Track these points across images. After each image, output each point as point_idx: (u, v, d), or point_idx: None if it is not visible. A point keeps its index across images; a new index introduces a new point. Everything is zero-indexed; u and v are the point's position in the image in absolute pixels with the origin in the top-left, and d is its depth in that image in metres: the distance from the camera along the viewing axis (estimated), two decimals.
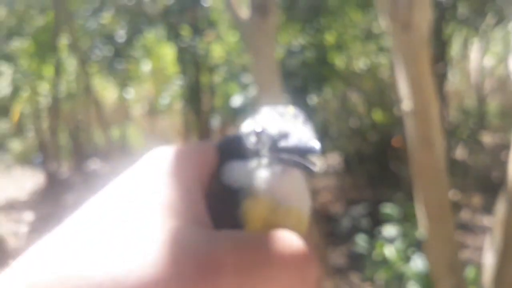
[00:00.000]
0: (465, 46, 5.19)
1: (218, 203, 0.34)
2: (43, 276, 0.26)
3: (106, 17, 5.45)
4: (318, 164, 0.33)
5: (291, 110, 0.37)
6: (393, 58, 1.70)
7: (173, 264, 0.27)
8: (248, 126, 0.38)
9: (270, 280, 0.29)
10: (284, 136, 0.35)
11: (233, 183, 0.35)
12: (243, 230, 0.33)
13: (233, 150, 0.37)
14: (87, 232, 0.29)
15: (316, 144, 0.33)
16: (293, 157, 0.33)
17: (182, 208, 0.31)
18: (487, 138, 5.10)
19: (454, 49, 5.10)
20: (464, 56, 5.30)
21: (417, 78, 1.58)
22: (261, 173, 0.35)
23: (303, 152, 0.33)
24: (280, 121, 0.36)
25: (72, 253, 0.28)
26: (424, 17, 1.58)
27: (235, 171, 0.36)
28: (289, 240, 0.30)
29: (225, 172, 0.36)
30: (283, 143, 0.34)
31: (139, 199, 0.31)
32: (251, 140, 0.36)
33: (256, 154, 0.36)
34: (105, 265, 0.26)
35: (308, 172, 0.33)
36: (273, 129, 0.35)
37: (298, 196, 0.36)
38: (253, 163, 0.36)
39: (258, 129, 0.36)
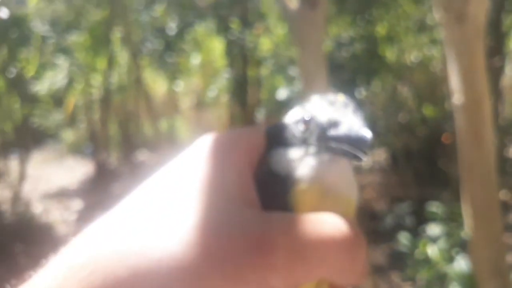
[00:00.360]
0: None
1: (266, 188, 0.34)
2: (91, 252, 0.28)
3: (158, 10, 5.57)
4: (368, 153, 0.33)
5: (341, 98, 0.36)
6: (446, 51, 1.65)
7: (225, 242, 0.28)
8: (296, 114, 0.38)
9: (321, 261, 0.29)
10: (334, 124, 0.35)
11: (281, 169, 0.35)
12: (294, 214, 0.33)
13: (281, 137, 0.37)
14: (136, 212, 0.30)
15: (368, 133, 0.32)
16: (342, 146, 0.33)
17: (234, 190, 0.31)
18: None
19: None
20: None
21: (470, 71, 1.53)
22: (310, 160, 0.35)
23: (353, 141, 0.33)
24: (330, 110, 0.36)
25: (122, 231, 0.29)
26: (480, 7, 1.52)
27: (284, 158, 0.36)
28: (339, 223, 0.31)
29: (273, 158, 0.36)
30: (332, 132, 0.34)
31: (191, 182, 0.31)
32: (300, 128, 0.36)
33: (304, 142, 0.36)
34: (151, 244, 0.28)
35: (358, 161, 0.33)
36: (323, 117, 0.35)
37: (347, 184, 0.36)
38: (301, 150, 0.36)
39: (307, 117, 0.36)
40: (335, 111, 0.35)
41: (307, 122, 0.36)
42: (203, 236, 0.28)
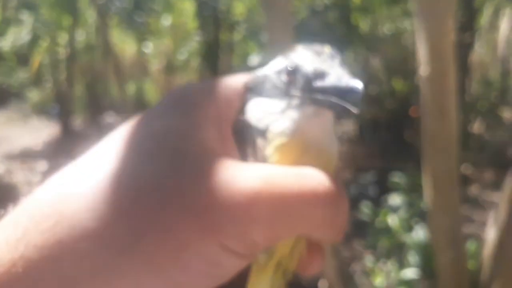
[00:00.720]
0: (496, 16, 5.00)
1: (245, 141, 0.33)
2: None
3: None
4: (359, 106, 0.30)
5: (327, 49, 0.34)
6: (415, 22, 1.63)
7: (201, 188, 0.27)
8: (279, 64, 0.36)
9: (303, 216, 0.29)
10: (320, 75, 0.32)
11: (262, 122, 0.34)
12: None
13: (261, 87, 0.36)
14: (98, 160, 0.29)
15: (358, 84, 0.30)
16: (330, 98, 0.31)
17: (211, 142, 0.30)
18: (508, 114, 4.97)
19: (485, 18, 4.91)
20: (494, 26, 5.10)
21: (437, 44, 1.52)
22: (292, 113, 0.33)
23: (343, 92, 0.31)
24: (316, 60, 0.33)
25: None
26: None
27: (264, 110, 0.34)
28: (322, 177, 0.30)
29: (253, 110, 0.35)
30: (319, 83, 0.32)
31: (170, 136, 0.30)
32: (282, 79, 0.34)
33: (287, 93, 0.34)
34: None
35: (348, 114, 0.31)
36: (308, 68, 0.33)
37: (329, 138, 0.35)
38: (283, 102, 0.34)
39: (291, 67, 0.34)
40: (321, 62, 0.33)
41: (290, 73, 0.34)
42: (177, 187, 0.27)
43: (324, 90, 0.32)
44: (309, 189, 0.29)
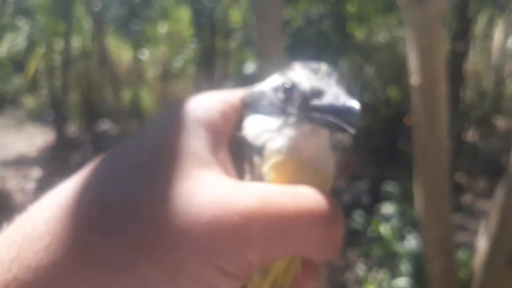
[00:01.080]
0: (490, 25, 5.04)
1: (242, 158, 0.33)
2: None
3: None
4: (356, 125, 0.30)
5: (324, 67, 0.34)
6: (406, 31, 1.64)
7: (200, 210, 0.26)
8: (275, 81, 0.36)
9: (299, 236, 0.28)
10: (318, 94, 0.33)
11: (258, 139, 0.34)
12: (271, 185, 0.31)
13: (258, 104, 0.35)
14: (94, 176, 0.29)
15: (355, 104, 0.30)
16: (327, 117, 0.31)
17: (208, 157, 0.30)
18: (501, 122, 4.99)
19: (479, 27, 4.95)
20: (488, 35, 5.14)
21: (428, 53, 1.53)
22: (289, 131, 0.33)
23: (340, 112, 0.31)
24: (313, 78, 0.33)
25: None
26: None
27: (261, 127, 0.34)
28: (318, 197, 0.30)
29: (250, 127, 0.35)
30: (316, 101, 0.32)
31: (167, 149, 0.29)
32: (279, 96, 0.34)
33: (283, 110, 0.34)
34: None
35: (345, 133, 0.31)
36: (305, 86, 0.33)
37: (325, 157, 0.34)
38: (280, 119, 0.34)
39: (288, 85, 0.34)
40: (318, 79, 0.33)
41: (287, 90, 0.34)
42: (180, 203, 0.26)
43: (321, 109, 0.32)
44: (305, 209, 0.28)
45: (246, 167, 0.33)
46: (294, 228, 0.28)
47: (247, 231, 0.26)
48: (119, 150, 0.30)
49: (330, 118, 0.31)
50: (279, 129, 0.33)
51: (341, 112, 0.30)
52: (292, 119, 0.33)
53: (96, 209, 0.26)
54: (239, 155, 0.33)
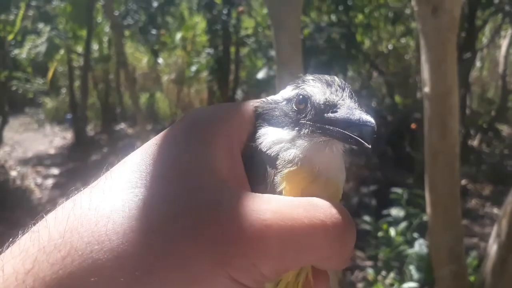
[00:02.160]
0: (498, 34, 5.06)
1: (255, 168, 0.33)
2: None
3: None
4: (372, 140, 0.30)
5: (338, 80, 0.35)
6: (420, 41, 1.64)
7: (213, 222, 0.27)
8: (289, 92, 0.36)
9: (312, 247, 0.28)
10: (332, 106, 0.33)
11: (272, 149, 0.34)
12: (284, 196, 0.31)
13: (271, 115, 0.36)
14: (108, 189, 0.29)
15: (371, 120, 0.31)
16: (342, 130, 0.32)
17: (223, 169, 0.30)
18: (507, 130, 5.01)
19: (486, 36, 4.97)
20: (495, 45, 5.17)
21: (441, 62, 1.54)
22: (302, 142, 0.33)
23: (355, 126, 0.31)
24: (327, 91, 0.34)
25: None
26: (456, 1, 1.52)
27: (274, 137, 0.34)
28: (331, 209, 0.30)
29: (263, 137, 0.35)
30: (331, 114, 0.33)
31: (183, 161, 0.30)
32: (292, 107, 0.35)
33: (297, 122, 0.34)
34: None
35: (360, 147, 0.31)
36: (319, 98, 0.34)
37: (338, 168, 0.35)
38: (293, 131, 0.34)
39: (301, 97, 0.34)
40: (332, 92, 0.34)
41: (301, 102, 0.34)
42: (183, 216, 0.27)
43: (336, 122, 0.32)
44: (318, 221, 0.28)
45: (260, 178, 0.33)
46: (307, 240, 0.28)
47: (261, 244, 0.27)
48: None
49: (346, 132, 0.31)
50: (292, 140, 0.34)
51: (357, 126, 0.31)
52: (305, 131, 0.34)
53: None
54: (253, 165, 0.33)
